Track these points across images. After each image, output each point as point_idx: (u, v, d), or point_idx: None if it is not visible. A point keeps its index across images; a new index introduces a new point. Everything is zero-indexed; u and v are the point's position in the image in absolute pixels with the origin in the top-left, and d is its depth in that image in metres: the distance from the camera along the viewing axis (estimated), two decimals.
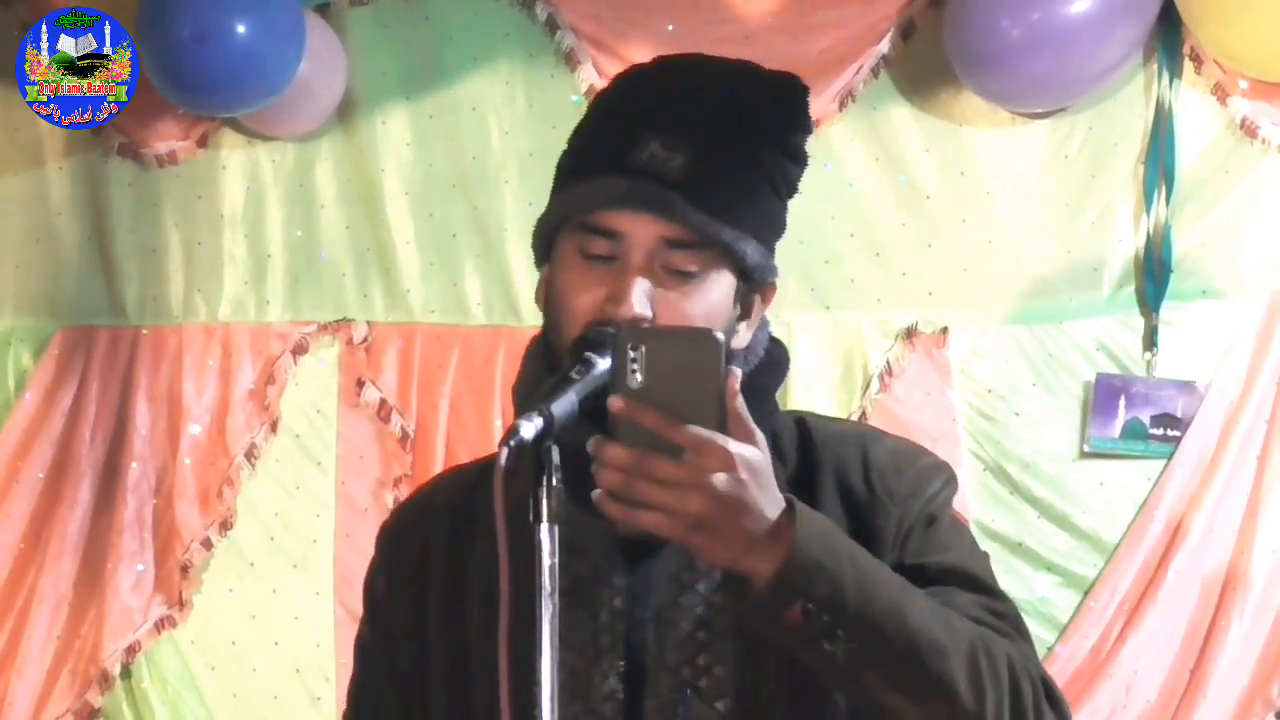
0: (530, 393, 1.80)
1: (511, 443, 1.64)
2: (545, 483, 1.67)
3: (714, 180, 1.82)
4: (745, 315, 1.91)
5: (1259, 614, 3.87)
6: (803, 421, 1.96)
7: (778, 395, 1.99)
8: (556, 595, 1.66)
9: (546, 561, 1.66)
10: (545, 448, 1.67)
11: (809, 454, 1.92)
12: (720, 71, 1.94)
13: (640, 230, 1.82)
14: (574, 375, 1.73)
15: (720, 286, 1.85)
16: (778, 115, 1.90)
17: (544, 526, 1.66)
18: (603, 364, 1.74)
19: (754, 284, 1.89)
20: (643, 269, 1.82)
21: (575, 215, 1.86)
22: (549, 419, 1.67)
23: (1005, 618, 1.87)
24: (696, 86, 1.90)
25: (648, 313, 1.80)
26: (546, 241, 1.90)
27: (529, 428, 1.66)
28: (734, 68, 1.95)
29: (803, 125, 1.93)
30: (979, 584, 1.88)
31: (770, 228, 1.90)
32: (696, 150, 1.82)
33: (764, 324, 1.96)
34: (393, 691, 2.00)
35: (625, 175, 1.82)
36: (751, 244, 1.85)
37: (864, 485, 1.89)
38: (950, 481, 1.95)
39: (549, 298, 1.88)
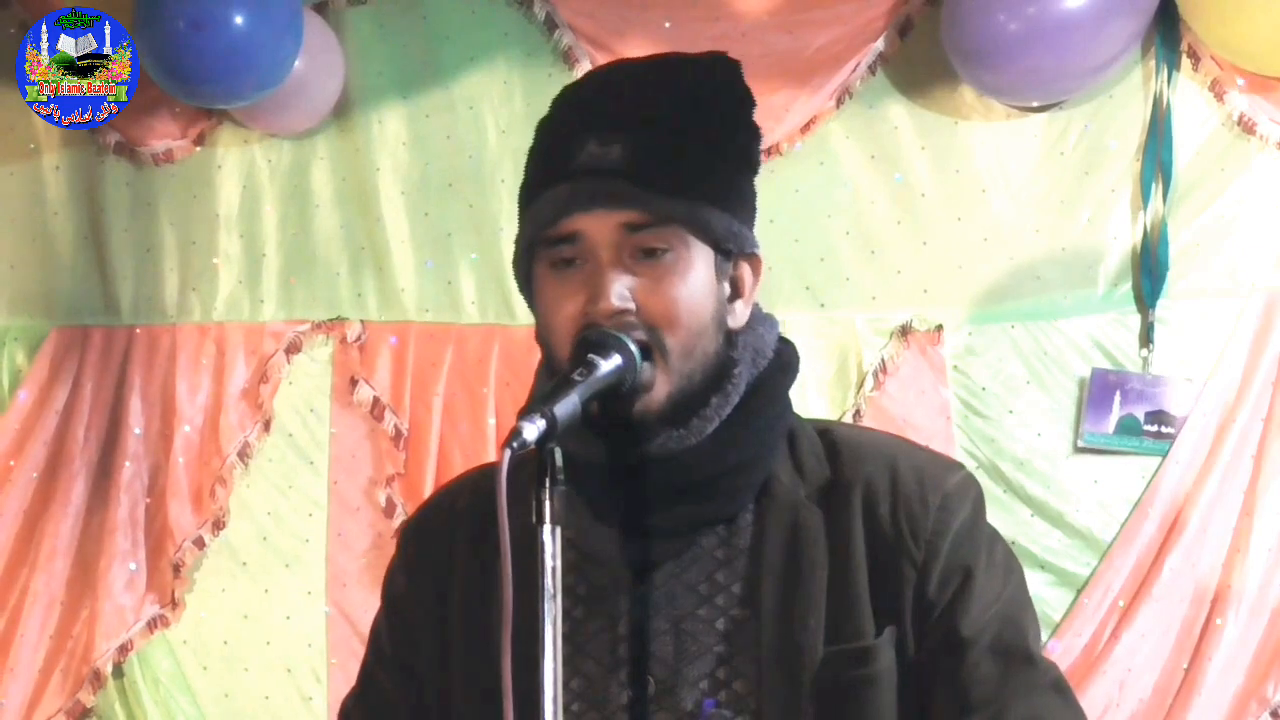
0: None
1: (514, 444, 1.65)
2: (548, 484, 1.68)
3: (656, 161, 1.83)
4: (738, 293, 1.90)
5: (1254, 612, 3.87)
6: (828, 432, 1.96)
7: None
8: (559, 597, 1.67)
9: (550, 563, 1.67)
10: (548, 449, 1.68)
11: (839, 468, 1.91)
12: (646, 65, 1.96)
13: (597, 227, 1.82)
14: (576, 377, 1.73)
15: (698, 263, 1.84)
16: (712, 91, 1.91)
17: (547, 528, 1.67)
18: (604, 365, 1.75)
19: (732, 255, 1.88)
20: (613, 263, 1.82)
21: (536, 234, 1.86)
22: (551, 420, 1.68)
23: (1060, 690, 1.89)
24: (624, 83, 1.92)
25: (628, 304, 1.80)
26: (526, 275, 1.91)
27: (531, 429, 1.67)
28: (659, 59, 1.97)
29: (744, 98, 1.93)
30: (1020, 654, 1.88)
31: (734, 197, 1.89)
32: (633, 138, 1.83)
33: (772, 324, 1.96)
34: (400, 687, 2.00)
35: (569, 179, 1.83)
36: (712, 213, 1.84)
37: (890, 517, 1.87)
38: (978, 500, 1.94)
39: (538, 323, 1.89)
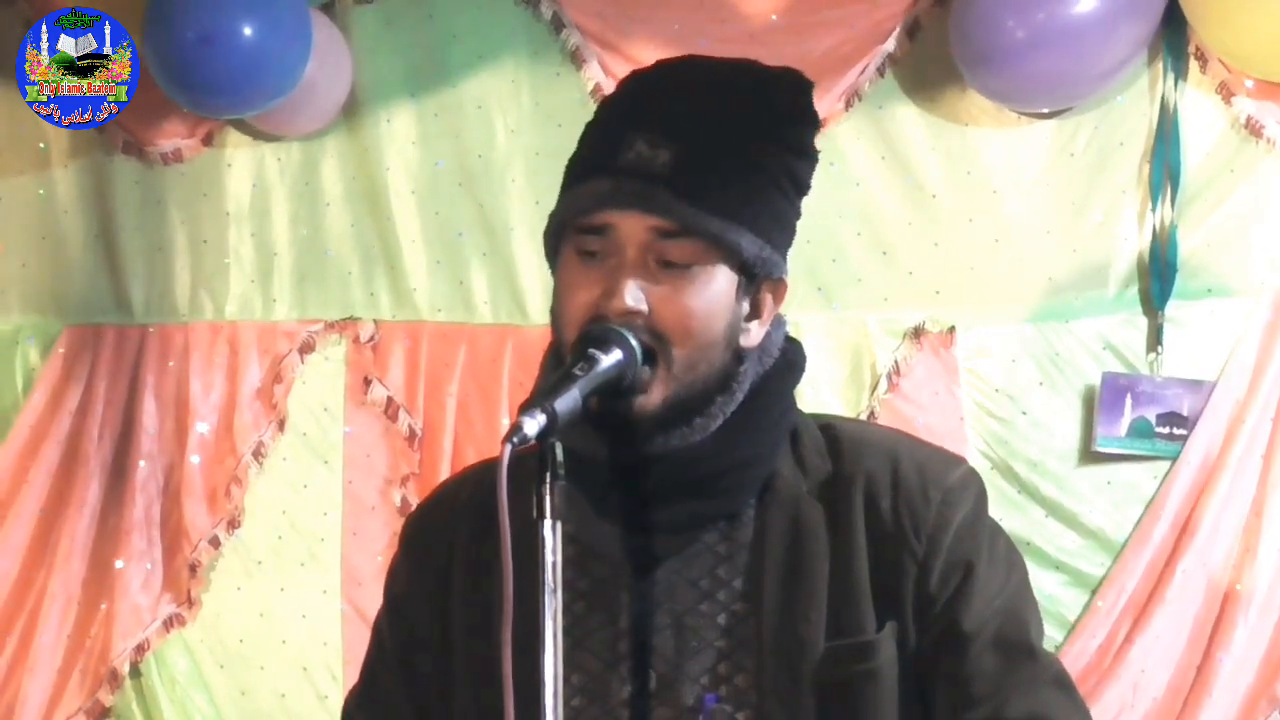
0: None
1: (514, 439, 1.65)
2: (549, 479, 1.68)
3: (701, 174, 1.81)
4: (756, 314, 1.89)
5: (1264, 612, 3.86)
6: (830, 427, 1.95)
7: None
8: (560, 592, 1.67)
9: (550, 558, 1.67)
10: (549, 444, 1.68)
11: (840, 463, 1.90)
12: (715, 70, 1.93)
13: (628, 226, 1.81)
14: (577, 372, 1.73)
15: (718, 280, 1.83)
16: (775, 110, 1.89)
17: (547, 523, 1.67)
18: (605, 360, 1.75)
19: (757, 279, 1.87)
20: (634, 264, 1.81)
21: (569, 220, 1.86)
22: (552, 415, 1.68)
23: (1062, 685, 1.88)
24: (688, 85, 1.90)
25: (641, 306, 1.80)
26: (554, 250, 1.91)
27: (532, 424, 1.67)
28: (730, 66, 1.94)
29: (804, 119, 1.92)
30: (1022, 648, 1.87)
31: (772, 221, 1.87)
32: (683, 146, 1.82)
33: (780, 323, 1.94)
34: (402, 683, 2.01)
35: (612, 175, 1.83)
36: (745, 235, 1.83)
37: (891, 512, 1.86)
38: (980, 495, 1.92)
39: (553, 302, 1.89)
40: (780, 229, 1.89)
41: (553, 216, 1.90)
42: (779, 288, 1.91)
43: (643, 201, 1.80)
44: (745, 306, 1.87)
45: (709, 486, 1.86)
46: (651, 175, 1.81)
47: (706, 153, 1.83)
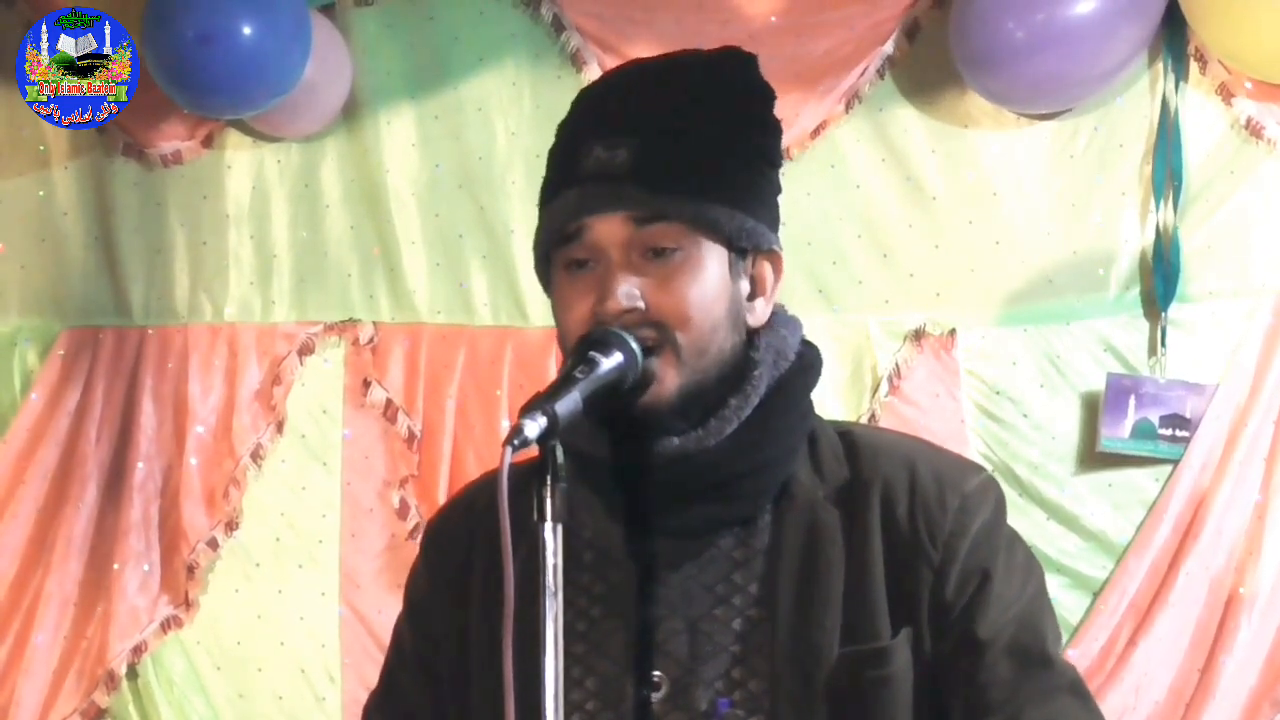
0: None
1: (515, 442, 1.65)
2: (550, 482, 1.69)
3: (663, 162, 1.83)
4: (757, 291, 1.90)
5: (1267, 615, 3.86)
6: (848, 433, 1.95)
7: None
8: (560, 594, 1.68)
9: (550, 561, 1.68)
10: (550, 447, 1.69)
11: (857, 468, 1.90)
12: (658, 65, 1.96)
13: (605, 230, 1.83)
14: (577, 374, 1.73)
15: (708, 261, 1.84)
16: (726, 89, 1.90)
17: (548, 525, 1.68)
18: (606, 362, 1.75)
19: (748, 253, 1.88)
20: (621, 263, 1.83)
21: (550, 240, 1.87)
22: (552, 418, 1.68)
23: (1078, 693, 1.88)
24: (635, 85, 1.93)
25: (637, 302, 1.81)
26: (546, 277, 1.92)
27: (533, 427, 1.67)
28: (672, 57, 1.96)
29: (756, 92, 1.93)
30: (1037, 656, 1.87)
31: (747, 194, 1.88)
32: (639, 140, 1.83)
33: (796, 326, 1.96)
34: (422, 688, 2.02)
35: (578, 184, 1.84)
36: (722, 211, 1.84)
37: (908, 517, 1.87)
38: (998, 502, 1.92)
39: (556, 324, 1.90)
40: (759, 201, 1.90)
41: (536, 245, 1.91)
42: (776, 260, 1.92)
43: (613, 201, 1.82)
44: (745, 285, 1.88)
45: (726, 490, 1.87)
46: (615, 175, 1.83)
47: (665, 142, 1.84)
